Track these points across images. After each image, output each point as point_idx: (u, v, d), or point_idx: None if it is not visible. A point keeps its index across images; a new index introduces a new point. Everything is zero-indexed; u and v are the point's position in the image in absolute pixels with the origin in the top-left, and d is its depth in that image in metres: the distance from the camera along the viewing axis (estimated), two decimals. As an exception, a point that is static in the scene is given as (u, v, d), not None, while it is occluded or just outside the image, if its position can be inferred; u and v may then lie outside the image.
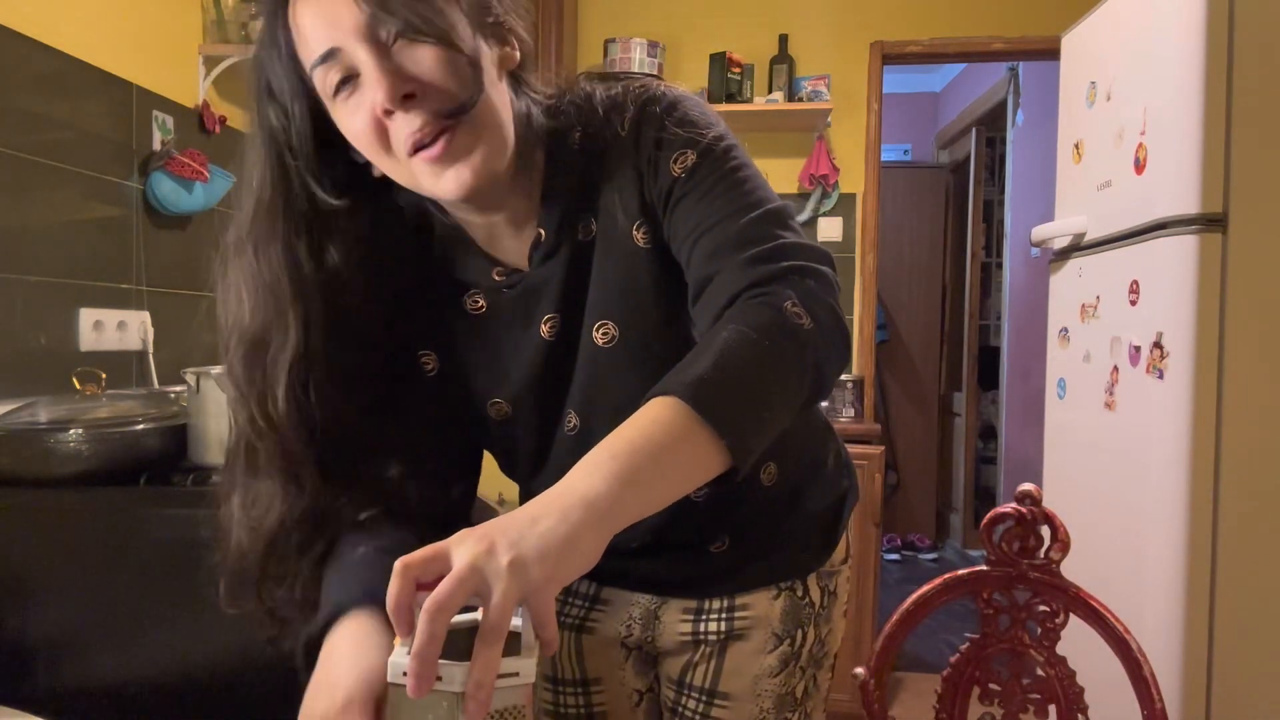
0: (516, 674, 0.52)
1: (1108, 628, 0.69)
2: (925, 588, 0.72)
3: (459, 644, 0.51)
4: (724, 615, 0.93)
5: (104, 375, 1.50)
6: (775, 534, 0.93)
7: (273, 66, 0.71)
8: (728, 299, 0.70)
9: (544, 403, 0.85)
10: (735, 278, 0.70)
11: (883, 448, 2.69)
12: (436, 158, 0.68)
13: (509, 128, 0.74)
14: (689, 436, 0.60)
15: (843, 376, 2.91)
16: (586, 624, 0.98)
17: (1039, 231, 2.28)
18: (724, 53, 3.06)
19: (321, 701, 0.60)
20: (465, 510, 0.88)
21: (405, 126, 0.67)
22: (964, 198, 4.88)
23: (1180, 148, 1.67)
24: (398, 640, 0.52)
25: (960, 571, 0.73)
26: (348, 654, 0.63)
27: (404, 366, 0.85)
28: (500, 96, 0.73)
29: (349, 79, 0.68)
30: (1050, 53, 2.74)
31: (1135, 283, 1.81)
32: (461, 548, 0.52)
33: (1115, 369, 1.90)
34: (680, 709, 0.96)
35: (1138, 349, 1.79)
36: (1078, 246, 2.13)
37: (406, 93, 0.66)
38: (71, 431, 1.29)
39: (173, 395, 1.57)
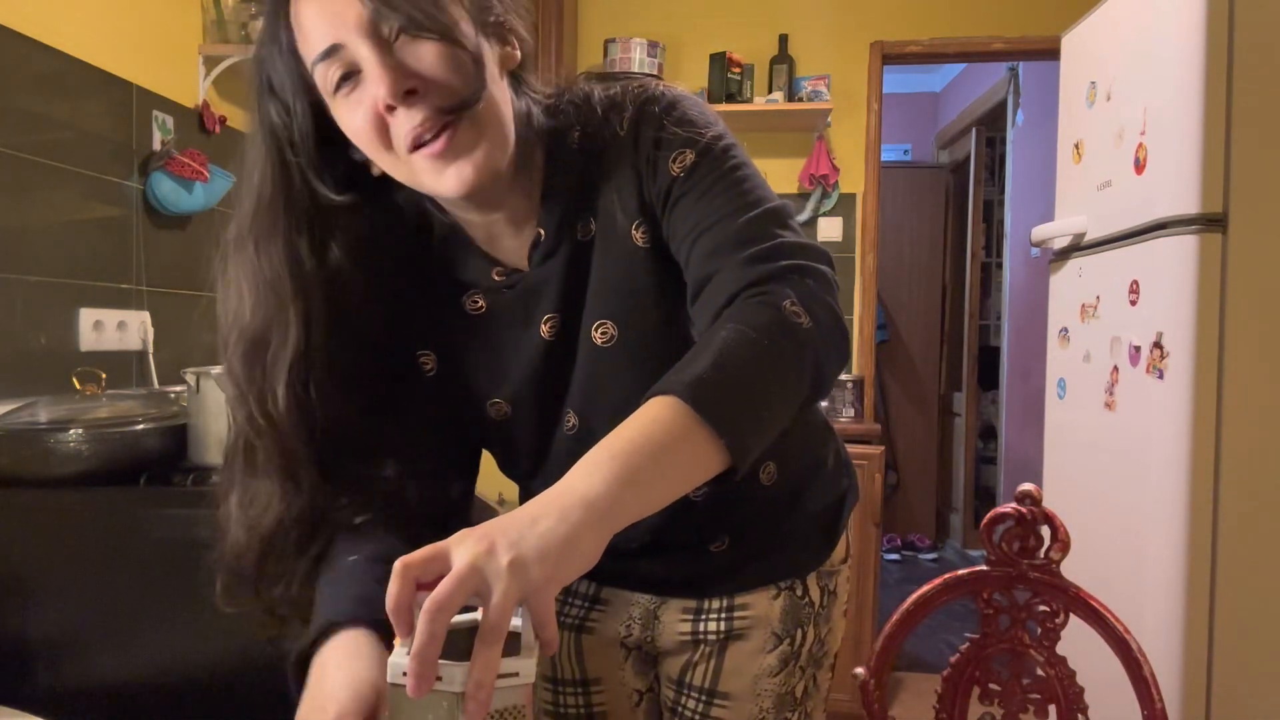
0: (516, 674, 0.52)
1: (1108, 628, 0.69)
2: (925, 588, 0.72)
3: (459, 644, 0.51)
4: (724, 615, 0.93)
5: (104, 375, 1.50)
6: (775, 534, 0.93)
7: (274, 63, 0.71)
8: (727, 298, 0.70)
9: (543, 402, 0.85)
10: (734, 277, 0.70)
11: (883, 448, 2.69)
12: (438, 154, 0.68)
13: (510, 126, 0.74)
14: (688, 436, 0.60)
15: (843, 376, 2.91)
16: (586, 624, 0.98)
17: (1039, 231, 2.28)
18: (724, 53, 3.06)
19: (313, 718, 0.60)
20: (463, 510, 0.88)
21: (406, 122, 0.67)
22: (964, 198, 4.88)
23: (1180, 148, 1.67)
24: (398, 640, 0.52)
25: (960, 571, 0.73)
26: (338, 669, 0.63)
27: (403, 366, 0.84)
28: (502, 94, 0.73)
29: (350, 75, 0.68)
30: (1050, 53, 2.74)
31: (1135, 283, 1.81)
32: (461, 548, 0.52)
33: (1115, 369, 1.90)
34: (680, 709, 0.96)
35: (1138, 349, 1.79)
36: (1078, 246, 2.13)
37: (408, 89, 0.66)
38: (71, 431, 1.29)
39: (173, 395, 1.57)
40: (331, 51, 0.67)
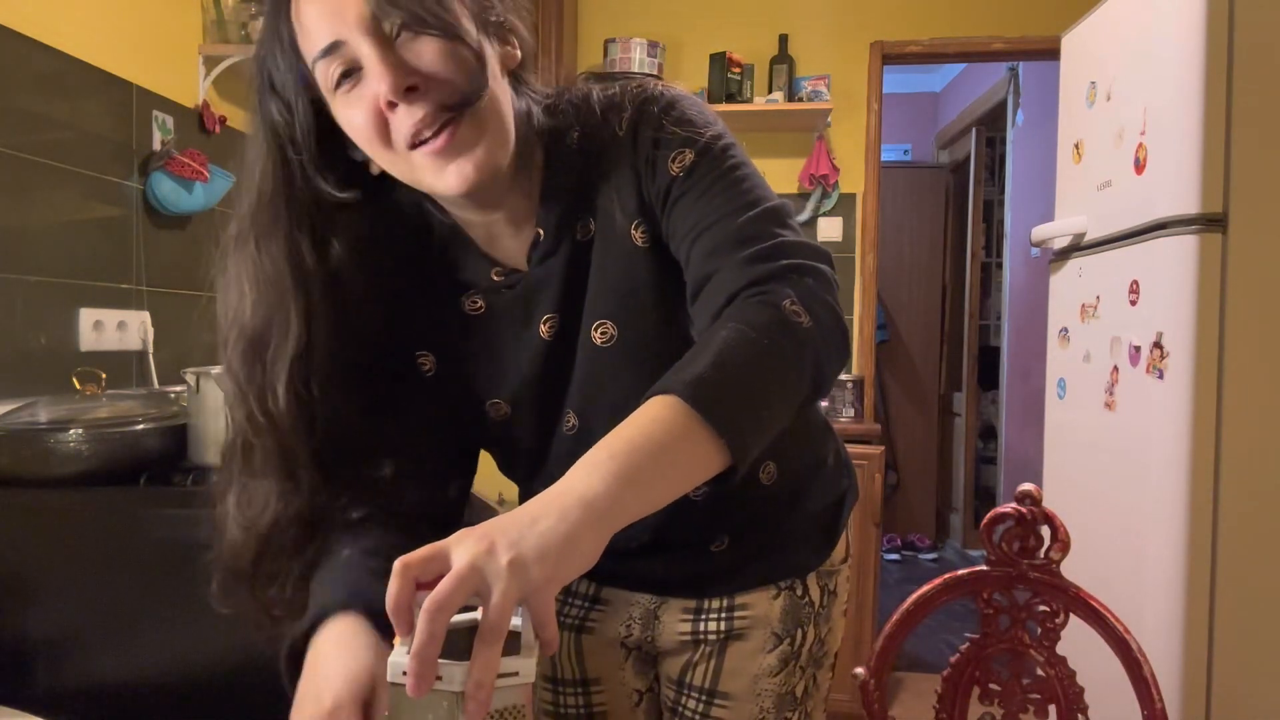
0: (516, 674, 0.52)
1: (1108, 628, 0.69)
2: (925, 588, 0.72)
3: (459, 644, 0.51)
4: (724, 615, 0.93)
5: (104, 375, 1.51)
6: (775, 533, 0.93)
7: (275, 61, 0.71)
8: (726, 297, 0.70)
9: (543, 403, 0.85)
10: (734, 276, 0.70)
11: (883, 448, 2.69)
12: (439, 151, 0.68)
13: (511, 124, 0.74)
14: (688, 435, 0.60)
15: (843, 376, 2.91)
16: (586, 624, 0.98)
17: (1039, 231, 2.28)
18: (724, 53, 3.06)
19: (309, 707, 0.60)
20: (460, 510, 0.88)
21: (407, 119, 0.67)
22: (964, 198, 4.88)
23: (1180, 148, 1.67)
24: (398, 640, 0.52)
25: (960, 571, 0.73)
26: (333, 658, 0.63)
27: (402, 366, 0.84)
28: (503, 93, 0.73)
29: (350, 72, 0.68)
30: (1050, 53, 2.74)
31: (1135, 283, 1.81)
32: (461, 547, 0.52)
33: (1115, 369, 1.90)
34: (680, 709, 0.96)
35: (1138, 349, 1.79)
36: (1078, 246, 2.13)
37: (409, 85, 0.66)
38: (71, 431, 1.29)
39: (173, 395, 1.57)
40: (333, 48, 0.67)
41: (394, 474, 0.78)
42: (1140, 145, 1.81)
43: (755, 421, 0.63)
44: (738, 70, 3.07)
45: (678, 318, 0.80)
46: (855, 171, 3.15)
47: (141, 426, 1.36)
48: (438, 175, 0.70)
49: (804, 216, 3.13)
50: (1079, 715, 0.70)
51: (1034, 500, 0.70)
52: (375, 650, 0.63)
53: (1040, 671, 0.71)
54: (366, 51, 0.66)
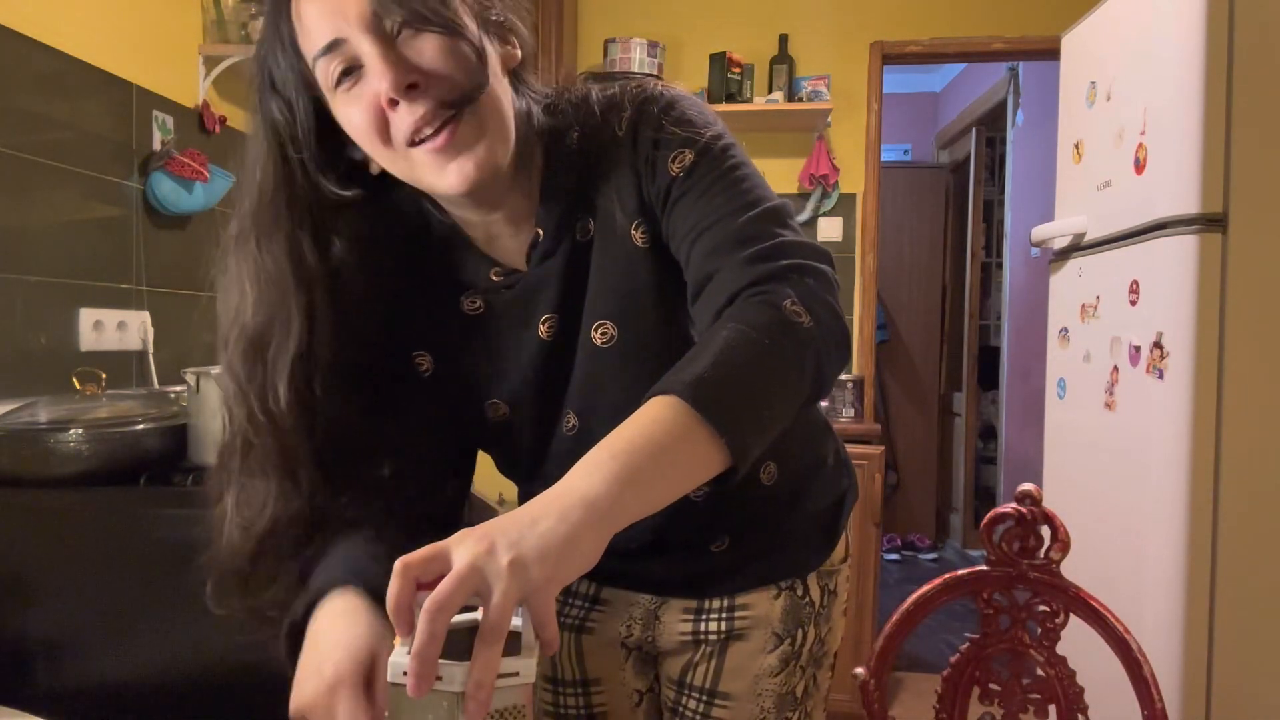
0: (516, 674, 0.52)
1: (1108, 628, 0.69)
2: (925, 588, 0.72)
3: (459, 644, 0.51)
4: (724, 615, 0.93)
5: (104, 375, 1.50)
6: (775, 533, 0.93)
7: (275, 59, 0.71)
8: (727, 298, 0.70)
9: (542, 403, 0.84)
10: (734, 276, 0.70)
11: (883, 448, 2.69)
12: (440, 148, 0.68)
13: (511, 123, 0.74)
14: (689, 436, 0.60)
15: (843, 376, 2.91)
16: (586, 624, 0.98)
17: (1039, 231, 2.28)
18: (724, 53, 3.06)
19: (310, 683, 0.60)
20: (459, 510, 0.88)
21: (408, 116, 0.67)
22: (964, 198, 4.88)
23: (1180, 148, 1.67)
24: (398, 640, 0.52)
25: (960, 571, 0.73)
26: (333, 631, 0.63)
27: (401, 366, 0.84)
28: (504, 91, 0.73)
29: (351, 70, 0.68)
30: (1050, 53, 2.74)
31: (1135, 283, 1.81)
32: (461, 547, 0.52)
33: (1115, 369, 1.90)
34: (680, 709, 0.96)
35: (1138, 349, 1.79)
36: (1078, 246, 2.13)
37: (410, 83, 0.66)
38: (71, 431, 1.29)
39: (173, 395, 1.57)
40: (333, 46, 0.67)
41: (393, 474, 0.78)
42: (1140, 145, 1.81)
43: (756, 422, 0.63)
44: (738, 70, 3.07)
45: (678, 318, 0.80)
46: (855, 171, 3.15)
47: (141, 426, 1.36)
48: (438, 173, 0.70)
49: (804, 216, 3.13)
50: (1079, 715, 0.70)
51: (1034, 500, 0.70)
52: (375, 623, 0.63)
53: (1040, 671, 0.71)
54: (367, 49, 0.66)
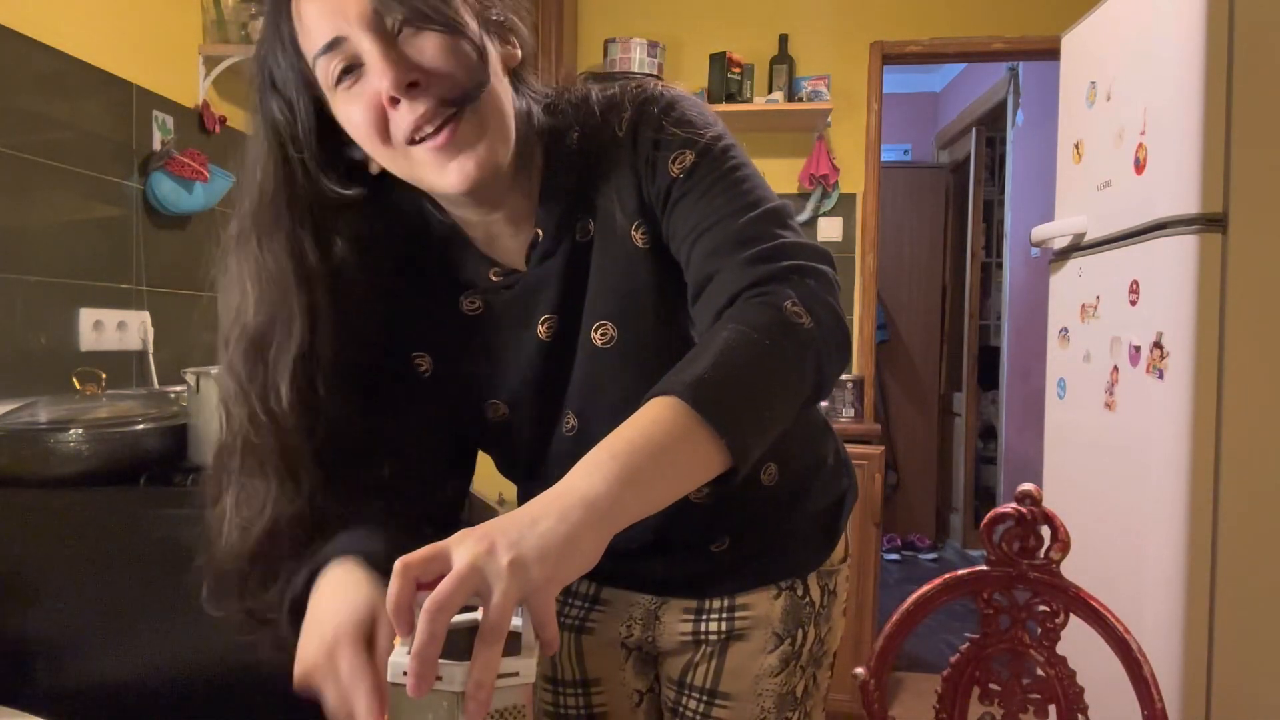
0: (516, 674, 0.52)
1: (1108, 628, 0.69)
2: (925, 588, 0.72)
3: (459, 644, 0.51)
4: (724, 615, 0.93)
5: (104, 375, 1.50)
6: (775, 534, 0.93)
7: (275, 59, 0.71)
8: (728, 298, 0.70)
9: (542, 404, 0.84)
10: (735, 277, 0.70)
11: (883, 448, 2.69)
12: (441, 147, 0.68)
13: (512, 122, 0.74)
14: (689, 436, 0.60)
15: (843, 376, 2.91)
16: (586, 624, 0.98)
17: (1039, 231, 2.28)
18: (724, 53, 3.06)
19: (312, 645, 0.61)
20: (458, 510, 0.88)
21: (409, 114, 0.67)
22: (964, 198, 4.88)
23: (1180, 148, 1.67)
24: (398, 640, 0.52)
25: (960, 571, 0.73)
26: (332, 597, 0.64)
27: (401, 367, 0.84)
28: (504, 91, 0.73)
29: (351, 69, 0.68)
30: (1050, 53, 2.74)
31: (1135, 283, 1.81)
32: (462, 547, 0.52)
33: (1115, 369, 1.90)
34: (681, 709, 0.96)
35: (1138, 349, 1.79)
36: (1078, 246, 2.13)
37: (411, 81, 0.66)
38: (71, 431, 1.29)
39: (173, 395, 1.57)
40: (334, 45, 0.67)
41: (392, 474, 0.78)
42: (1140, 145, 1.81)
43: (756, 422, 0.63)
44: (738, 70, 3.07)
45: (678, 319, 0.80)
46: (855, 171, 3.15)
47: (141, 426, 1.35)
48: (439, 172, 0.70)
49: (804, 216, 3.13)
50: (1079, 715, 0.70)
51: (1034, 500, 0.70)
52: (375, 588, 0.64)
53: (1040, 671, 0.71)
54: (368, 47, 0.66)
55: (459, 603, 0.50)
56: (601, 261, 0.80)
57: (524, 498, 0.94)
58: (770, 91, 3.09)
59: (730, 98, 3.05)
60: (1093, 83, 2.07)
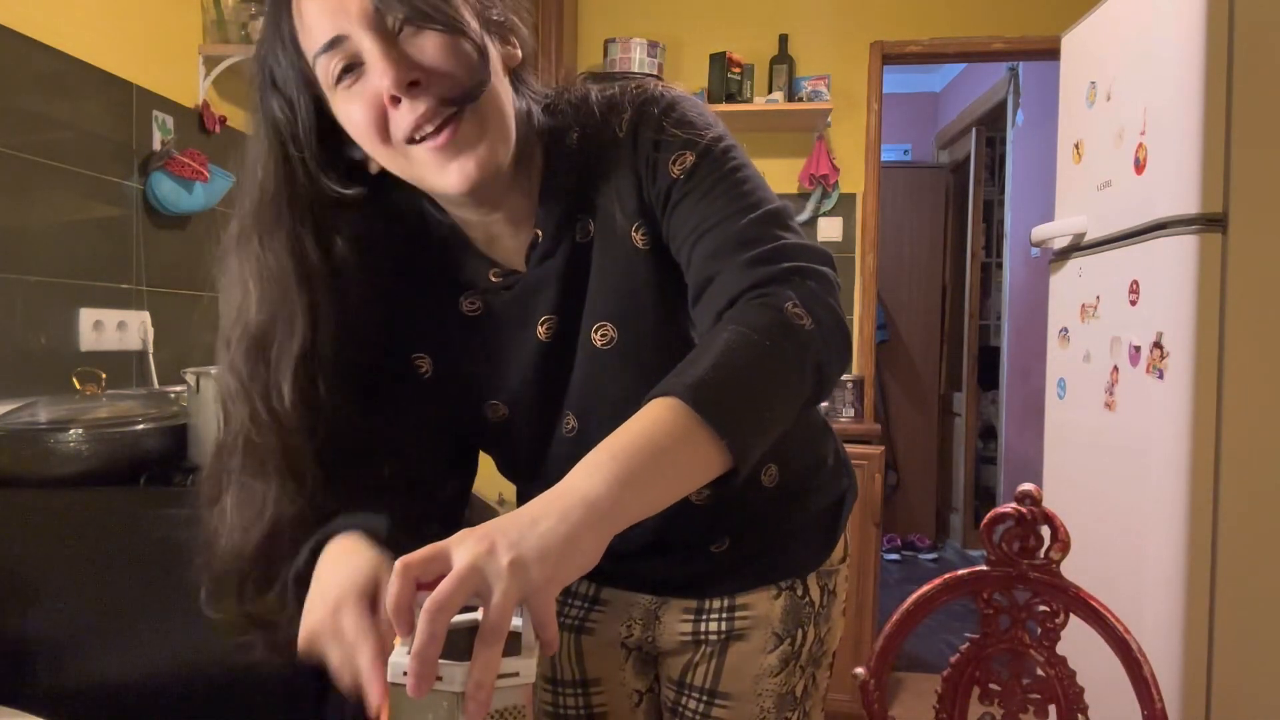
0: (516, 674, 0.52)
1: (1108, 628, 0.69)
2: (925, 588, 0.72)
3: (459, 644, 0.51)
4: (724, 615, 0.93)
5: (104, 375, 1.50)
6: (775, 534, 0.93)
7: (276, 57, 0.71)
8: (728, 300, 0.69)
9: (542, 405, 0.84)
10: (736, 279, 0.70)
11: (883, 448, 2.69)
12: (442, 147, 0.68)
13: (512, 122, 0.74)
14: (689, 438, 0.60)
15: (843, 376, 2.91)
16: (586, 625, 0.98)
17: (1039, 231, 2.28)
18: (724, 53, 3.06)
19: (316, 611, 0.61)
20: (460, 510, 0.88)
21: (409, 114, 0.67)
22: (964, 198, 4.88)
23: (1180, 148, 1.67)
24: (398, 640, 0.52)
25: (960, 571, 0.73)
26: (336, 566, 0.64)
27: (401, 367, 0.84)
28: (505, 91, 0.73)
29: (352, 67, 0.68)
30: (1050, 53, 2.74)
31: (1135, 283, 1.81)
32: (462, 548, 0.52)
33: (1115, 369, 1.90)
34: (680, 709, 0.96)
35: (1138, 349, 1.79)
36: (1078, 246, 2.13)
37: (412, 80, 0.66)
38: (71, 431, 1.29)
39: (173, 395, 1.57)
40: (334, 43, 0.67)
41: (393, 475, 0.78)
42: (1140, 145, 1.81)
43: (757, 424, 0.63)
44: (738, 70, 3.07)
45: (678, 320, 0.80)
46: (855, 171, 3.15)
47: (141, 426, 1.35)
48: (440, 172, 0.70)
49: (804, 216, 3.13)
50: (1079, 715, 0.70)
51: (1034, 500, 0.70)
52: (378, 555, 0.64)
53: (1040, 671, 0.71)
54: (369, 46, 0.66)
55: (459, 603, 0.50)
56: (601, 262, 0.80)
57: (524, 498, 0.94)
58: (770, 91, 3.09)
59: (730, 98, 3.05)
60: (1093, 83, 2.07)
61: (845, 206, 3.16)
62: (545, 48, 2.84)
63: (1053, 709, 0.72)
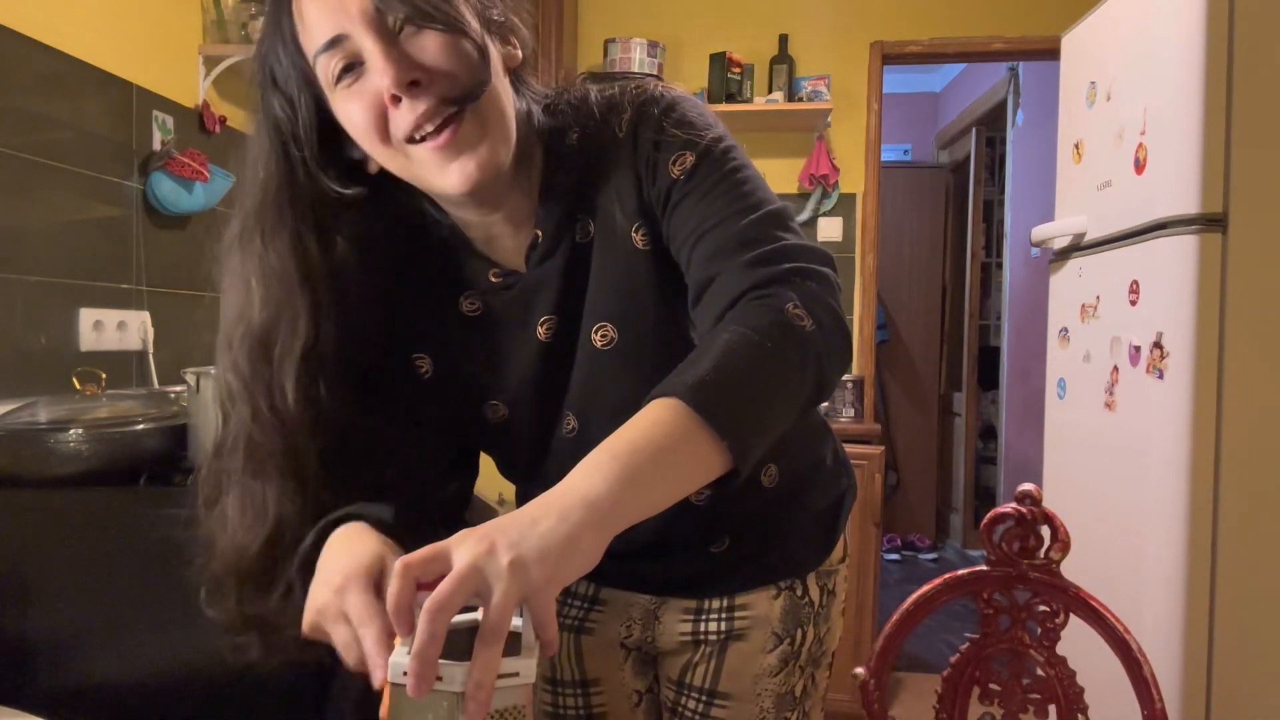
0: (517, 674, 0.52)
1: (1108, 628, 0.69)
2: (925, 588, 0.72)
3: (459, 644, 0.52)
4: (724, 615, 0.93)
5: (104, 375, 1.50)
6: (775, 534, 0.93)
7: (276, 56, 0.71)
8: (729, 301, 0.69)
9: (542, 405, 0.84)
10: (736, 279, 0.70)
11: (883, 448, 2.69)
12: (442, 147, 0.68)
13: (512, 122, 0.74)
14: (690, 438, 0.60)
15: (843, 376, 2.91)
16: (585, 625, 0.98)
17: (1039, 231, 2.28)
18: (724, 53, 3.06)
19: (321, 593, 0.61)
20: (461, 511, 0.88)
21: (409, 113, 0.67)
22: (964, 198, 4.88)
23: (1180, 148, 1.67)
24: (398, 640, 0.52)
25: (960, 571, 0.73)
26: (340, 551, 0.64)
27: (401, 367, 0.84)
28: (505, 91, 0.73)
29: (352, 66, 0.68)
30: (1050, 53, 2.74)
31: (1135, 283, 1.81)
32: (462, 548, 0.52)
33: (1115, 369, 1.90)
34: (680, 709, 0.96)
35: (1138, 349, 1.79)
36: (1078, 246, 2.13)
37: (412, 80, 0.66)
38: (71, 431, 1.29)
39: (173, 395, 1.56)
40: (335, 42, 0.67)
41: (394, 475, 0.78)
42: (1140, 145, 1.81)
43: (757, 424, 0.63)
44: (738, 70, 3.07)
45: (678, 320, 0.80)
46: (855, 171, 3.15)
47: (141, 426, 1.35)
48: (440, 173, 0.70)
49: (804, 216, 3.13)
50: (1079, 715, 0.70)
51: (1034, 500, 0.70)
52: (381, 542, 0.64)
53: (1040, 671, 0.71)
54: (369, 45, 0.66)
55: (459, 603, 0.50)
56: (601, 262, 0.80)
57: (523, 499, 0.94)
58: (770, 91, 3.09)
59: (730, 98, 3.05)
60: (1093, 83, 2.07)
61: (845, 206, 3.16)
62: (545, 48, 2.84)
63: (1053, 709, 0.72)
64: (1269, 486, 1.61)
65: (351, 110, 0.69)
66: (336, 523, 0.69)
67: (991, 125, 4.74)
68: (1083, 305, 2.08)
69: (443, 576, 0.51)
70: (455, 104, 0.68)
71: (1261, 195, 1.62)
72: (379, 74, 0.66)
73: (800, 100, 3.04)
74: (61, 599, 1.27)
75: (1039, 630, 0.71)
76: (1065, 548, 0.70)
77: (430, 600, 0.49)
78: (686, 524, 0.85)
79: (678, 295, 0.78)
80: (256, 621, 0.73)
